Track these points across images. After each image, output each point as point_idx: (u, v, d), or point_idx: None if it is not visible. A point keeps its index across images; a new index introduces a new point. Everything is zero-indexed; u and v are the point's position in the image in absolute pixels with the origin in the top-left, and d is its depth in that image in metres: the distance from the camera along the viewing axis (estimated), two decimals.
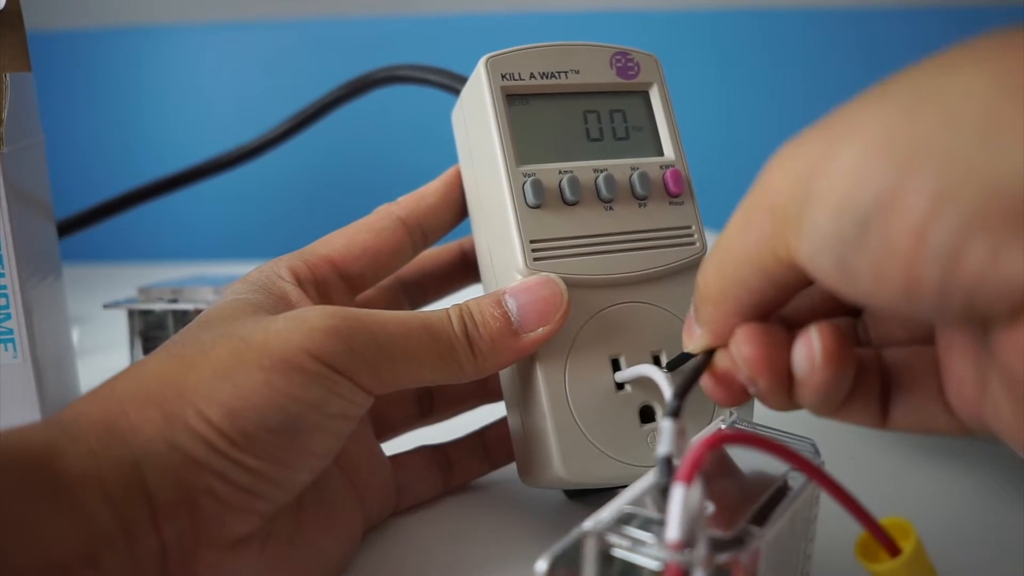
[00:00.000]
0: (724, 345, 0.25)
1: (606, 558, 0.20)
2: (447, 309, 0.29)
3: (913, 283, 0.18)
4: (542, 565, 0.19)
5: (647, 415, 0.30)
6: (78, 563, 0.21)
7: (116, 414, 0.23)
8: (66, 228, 0.51)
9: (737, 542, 0.20)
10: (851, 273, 0.19)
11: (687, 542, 0.19)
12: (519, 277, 0.30)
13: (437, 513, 0.34)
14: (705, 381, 0.25)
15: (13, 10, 0.35)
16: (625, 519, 0.20)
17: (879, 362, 0.24)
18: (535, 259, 0.30)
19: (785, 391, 0.23)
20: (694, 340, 0.25)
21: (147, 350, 0.49)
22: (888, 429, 0.24)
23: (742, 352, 0.23)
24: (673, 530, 0.19)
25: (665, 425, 0.22)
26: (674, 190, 0.32)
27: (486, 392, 0.36)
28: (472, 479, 0.36)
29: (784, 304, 0.24)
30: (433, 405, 0.36)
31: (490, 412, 0.36)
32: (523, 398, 0.31)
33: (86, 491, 0.22)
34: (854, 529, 0.22)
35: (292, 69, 0.93)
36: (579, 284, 0.30)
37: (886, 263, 0.18)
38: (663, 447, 0.21)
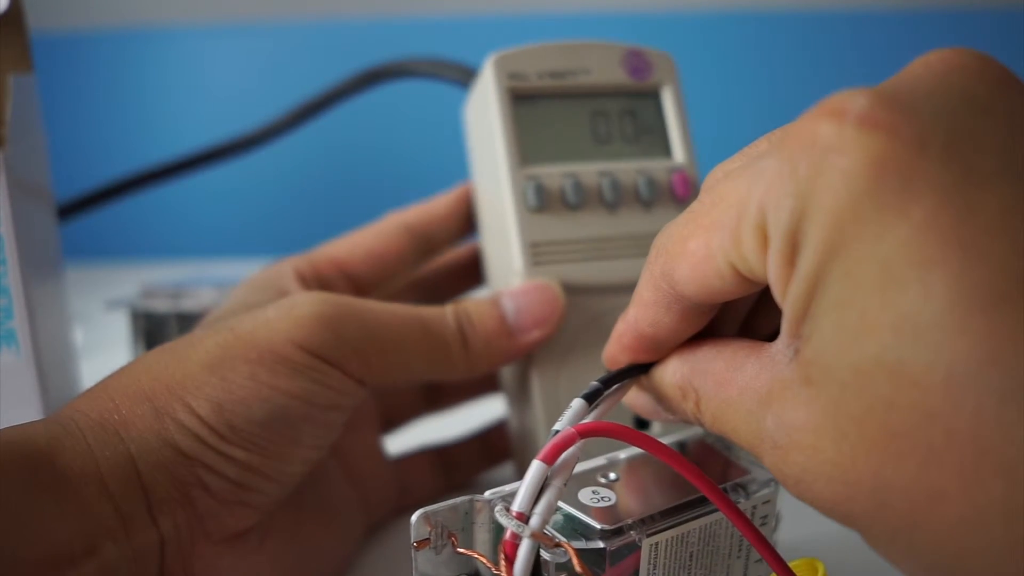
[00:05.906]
0: None
1: (500, 529, 0.20)
2: (443, 306, 0.29)
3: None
4: (416, 516, 0.20)
5: (643, 422, 0.30)
6: (81, 555, 0.21)
7: (109, 410, 0.24)
8: (66, 212, 0.50)
9: (613, 534, 0.20)
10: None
11: (529, 516, 0.19)
12: (517, 280, 0.30)
13: None
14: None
15: (16, 11, 0.35)
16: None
17: None
18: (535, 263, 0.30)
19: None
20: None
21: (149, 349, 0.49)
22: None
23: None
24: (518, 501, 0.19)
25: (574, 403, 0.21)
26: (681, 194, 0.31)
27: (495, 381, 0.36)
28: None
29: None
30: (440, 394, 0.36)
31: (492, 412, 0.36)
32: (519, 399, 0.31)
33: (87, 486, 0.22)
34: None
35: (295, 71, 0.93)
36: (578, 289, 0.30)
37: None
38: (559, 424, 0.21)
